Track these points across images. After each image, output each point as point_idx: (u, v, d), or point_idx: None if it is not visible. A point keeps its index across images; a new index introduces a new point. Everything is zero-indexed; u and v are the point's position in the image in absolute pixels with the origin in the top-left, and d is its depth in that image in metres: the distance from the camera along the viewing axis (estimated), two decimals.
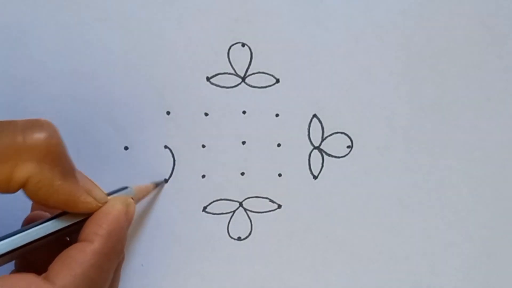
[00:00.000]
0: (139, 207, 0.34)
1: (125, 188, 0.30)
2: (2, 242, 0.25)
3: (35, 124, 0.25)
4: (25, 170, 0.24)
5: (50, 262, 0.25)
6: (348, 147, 0.35)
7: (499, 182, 0.36)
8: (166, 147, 0.34)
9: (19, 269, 0.29)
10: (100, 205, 0.27)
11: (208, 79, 0.34)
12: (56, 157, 0.25)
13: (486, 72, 0.35)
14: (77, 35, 0.33)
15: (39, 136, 0.25)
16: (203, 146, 0.34)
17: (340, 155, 0.35)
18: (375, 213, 0.36)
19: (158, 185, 0.34)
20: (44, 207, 0.26)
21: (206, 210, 0.35)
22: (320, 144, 0.35)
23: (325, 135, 0.35)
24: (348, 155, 0.35)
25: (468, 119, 0.35)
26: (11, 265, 0.30)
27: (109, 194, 0.29)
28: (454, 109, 0.35)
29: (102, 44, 0.33)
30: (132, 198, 0.29)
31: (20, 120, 0.25)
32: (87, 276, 0.25)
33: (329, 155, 0.35)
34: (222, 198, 0.35)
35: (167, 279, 0.35)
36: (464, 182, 0.36)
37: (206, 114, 0.34)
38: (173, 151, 0.34)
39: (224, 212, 0.35)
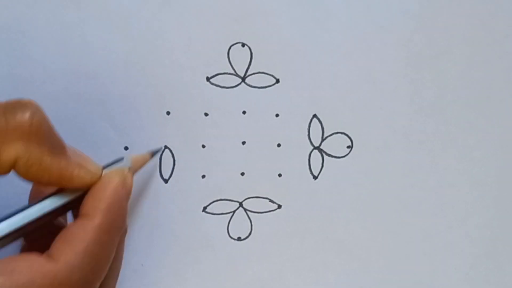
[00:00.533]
0: (140, 206, 0.34)
1: (121, 159, 0.30)
2: (0, 224, 0.25)
3: (17, 105, 0.25)
4: (12, 150, 0.24)
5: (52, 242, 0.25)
6: (348, 147, 0.35)
7: (499, 182, 0.36)
8: (166, 147, 0.34)
9: (23, 252, 0.29)
10: (95, 178, 0.27)
11: (208, 79, 0.34)
12: (41, 134, 0.25)
13: (486, 72, 0.35)
14: (77, 35, 0.33)
15: (22, 115, 0.25)
16: (203, 146, 0.34)
17: (340, 155, 0.35)
18: (375, 213, 0.36)
19: (155, 153, 0.33)
20: (39, 185, 0.26)
21: (206, 210, 0.35)
22: (320, 144, 0.35)
23: (325, 135, 0.35)
24: (348, 155, 0.35)
25: (468, 119, 0.35)
26: (17, 250, 0.30)
27: (105, 167, 0.28)
28: (454, 109, 0.35)
29: (102, 44, 0.33)
30: (129, 169, 0.29)
31: (1, 102, 0.25)
32: (89, 253, 0.25)
33: (329, 155, 0.35)
34: (222, 198, 0.35)
35: (167, 279, 0.35)
36: (464, 182, 0.36)
37: (206, 114, 0.34)
38: (173, 151, 0.34)
39: (224, 212, 0.35)
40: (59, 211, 0.27)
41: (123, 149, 0.34)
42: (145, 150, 0.33)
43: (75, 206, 0.27)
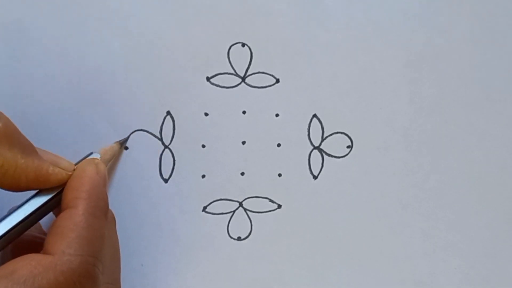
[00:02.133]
0: (140, 206, 0.34)
1: (90, 154, 0.31)
2: None
3: None
4: None
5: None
6: (348, 147, 0.35)
7: (499, 182, 0.36)
8: (166, 147, 0.34)
9: None
10: (70, 173, 0.28)
11: (208, 79, 0.34)
12: (10, 137, 0.25)
13: (486, 72, 0.35)
14: (77, 34, 0.33)
15: None
16: (203, 146, 0.34)
17: (340, 155, 0.35)
18: (375, 213, 0.36)
19: (123, 143, 0.33)
20: (17, 191, 0.27)
21: (206, 210, 0.35)
22: (320, 144, 0.35)
23: (325, 135, 0.35)
24: (348, 155, 0.35)
25: (468, 119, 0.35)
26: None
27: (76, 164, 0.29)
28: (454, 109, 0.35)
29: (102, 44, 0.33)
30: (99, 158, 0.30)
31: None
32: (82, 238, 0.25)
33: (329, 155, 0.35)
34: (222, 198, 0.35)
35: (167, 279, 0.35)
36: (464, 182, 0.36)
37: (206, 114, 0.34)
38: (173, 151, 0.34)
39: (224, 212, 0.35)
40: (41, 213, 0.27)
41: (123, 149, 0.34)
42: (145, 150, 0.34)
43: (54, 206, 0.28)
